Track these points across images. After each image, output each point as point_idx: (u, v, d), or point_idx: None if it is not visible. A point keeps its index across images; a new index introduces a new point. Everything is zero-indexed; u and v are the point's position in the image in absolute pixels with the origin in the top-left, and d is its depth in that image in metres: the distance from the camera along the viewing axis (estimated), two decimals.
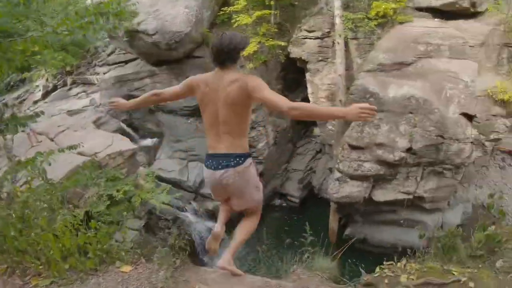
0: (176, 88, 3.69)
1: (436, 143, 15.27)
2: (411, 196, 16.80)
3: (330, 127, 19.20)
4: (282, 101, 3.04)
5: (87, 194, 10.93)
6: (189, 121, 20.37)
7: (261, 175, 21.59)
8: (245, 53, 19.47)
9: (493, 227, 5.82)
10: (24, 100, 25.41)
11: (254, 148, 20.78)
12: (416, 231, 18.07)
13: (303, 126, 24.45)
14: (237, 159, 3.41)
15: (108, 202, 10.88)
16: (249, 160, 3.55)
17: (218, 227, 4.32)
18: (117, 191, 11.21)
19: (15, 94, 25.92)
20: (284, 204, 23.05)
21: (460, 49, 15.79)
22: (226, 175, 3.43)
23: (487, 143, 15.58)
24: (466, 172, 16.72)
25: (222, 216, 4.35)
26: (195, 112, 20.02)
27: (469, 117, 15.35)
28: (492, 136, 15.46)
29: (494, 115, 15.14)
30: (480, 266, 4.56)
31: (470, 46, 15.75)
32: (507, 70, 15.38)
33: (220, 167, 3.41)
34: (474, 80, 15.15)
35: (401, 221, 18.13)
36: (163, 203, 13.01)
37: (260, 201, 3.93)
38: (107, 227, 11.95)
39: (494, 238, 4.74)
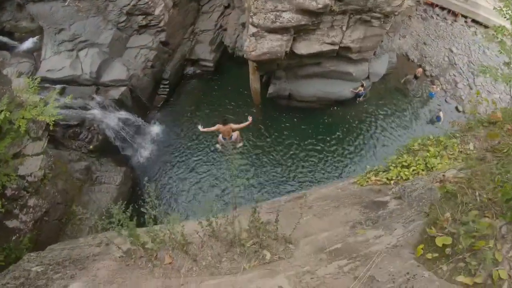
0: (215, 127, 13.70)
1: None
2: (336, 47, 15.56)
3: None
4: (238, 126, 13.86)
5: None
6: (66, 3, 16.10)
7: (165, 44, 18.88)
8: None
9: None
10: None
11: (151, 15, 17.58)
12: (343, 82, 17.58)
13: None
14: (231, 137, 14.40)
15: None
16: (234, 134, 14.50)
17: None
18: None
19: None
20: (198, 71, 20.99)
21: None
22: (230, 141, 14.53)
23: None
24: (392, 21, 15.52)
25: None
26: None
27: None
28: None
29: None
30: None
31: None
32: None
33: (228, 140, 14.43)
34: None
35: (327, 74, 17.23)
36: (54, 115, 10.54)
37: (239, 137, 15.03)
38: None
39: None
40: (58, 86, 15.04)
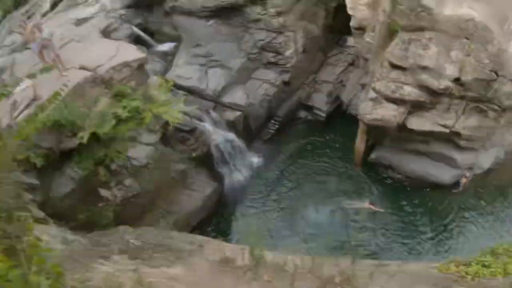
0: None
1: (488, 78, 13.31)
2: (447, 130, 15.25)
3: (367, 39, 16.92)
4: None
5: (92, 114, 9.81)
6: (209, 23, 18.23)
7: (287, 84, 19.96)
8: None
9: None
10: (32, 14, 22.83)
11: (281, 55, 18.97)
12: (445, 167, 16.90)
13: (336, 34, 22.02)
14: None
15: (114, 122, 9.78)
16: None
17: None
18: (124, 108, 10.03)
19: (23, 10, 23.24)
20: (309, 117, 21.65)
21: None
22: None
23: None
24: (509, 117, 15.01)
25: None
26: (215, 14, 18.02)
27: None
28: None
29: None
30: None
31: None
32: None
33: None
34: None
35: (431, 154, 16.85)
36: (177, 118, 11.91)
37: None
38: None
39: None
40: (180, 93, 16.65)
